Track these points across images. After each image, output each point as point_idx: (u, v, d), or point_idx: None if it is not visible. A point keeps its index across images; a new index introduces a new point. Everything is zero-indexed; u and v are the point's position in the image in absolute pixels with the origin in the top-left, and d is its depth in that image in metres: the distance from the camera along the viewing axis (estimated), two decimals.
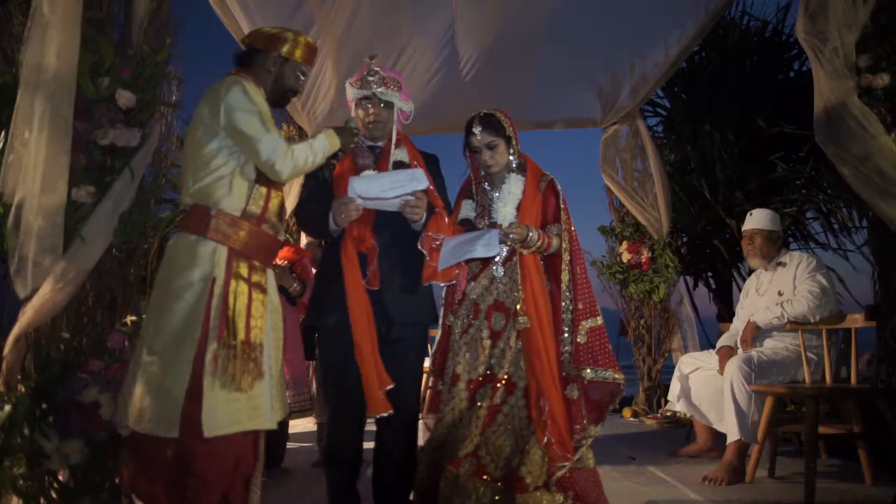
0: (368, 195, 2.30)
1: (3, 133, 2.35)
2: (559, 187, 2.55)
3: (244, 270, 2.05)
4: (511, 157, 2.54)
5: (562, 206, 2.51)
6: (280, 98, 2.25)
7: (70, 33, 2.23)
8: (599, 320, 2.44)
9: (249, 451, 2.10)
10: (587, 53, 4.74)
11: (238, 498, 2.07)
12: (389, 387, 2.27)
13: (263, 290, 2.09)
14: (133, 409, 1.95)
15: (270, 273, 2.17)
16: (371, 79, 2.41)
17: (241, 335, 1.97)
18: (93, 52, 2.36)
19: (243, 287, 2.02)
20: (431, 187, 2.41)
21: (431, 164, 2.52)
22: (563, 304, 2.43)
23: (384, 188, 2.31)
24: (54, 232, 2.22)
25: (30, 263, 2.19)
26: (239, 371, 1.94)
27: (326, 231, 2.38)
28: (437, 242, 2.36)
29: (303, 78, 2.27)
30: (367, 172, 2.36)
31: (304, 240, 3.57)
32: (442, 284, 2.48)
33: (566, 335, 2.42)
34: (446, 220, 2.44)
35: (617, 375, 2.37)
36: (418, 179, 2.31)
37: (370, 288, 2.32)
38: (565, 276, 2.44)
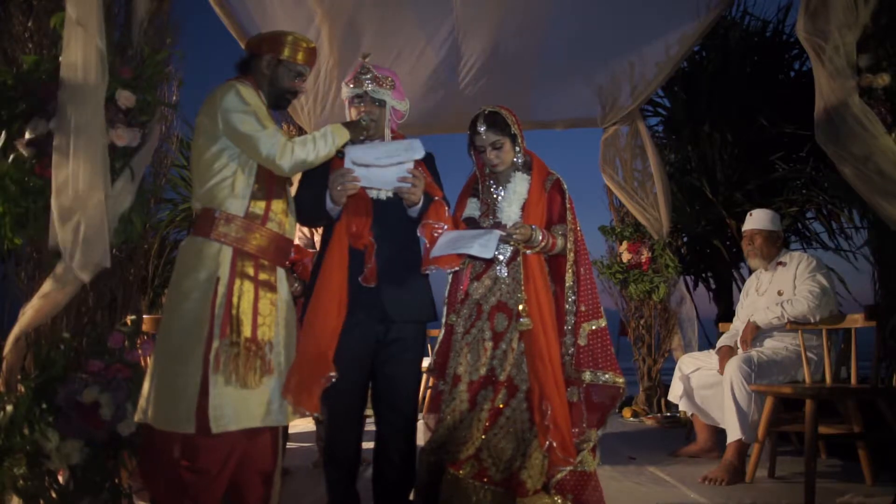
0: (363, 161, 2.27)
1: (3, 133, 2.35)
2: (565, 186, 2.53)
3: (250, 269, 2.10)
4: (517, 156, 2.53)
5: (567, 205, 2.49)
6: (278, 99, 2.30)
7: (101, 36, 2.28)
8: (602, 322, 2.42)
9: (266, 447, 2.14)
10: (587, 53, 4.73)
11: (256, 493, 2.12)
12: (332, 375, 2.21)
13: (272, 289, 2.14)
14: (151, 406, 2.01)
15: (281, 271, 2.21)
16: (364, 77, 2.41)
17: (247, 332, 2.03)
18: None
19: (249, 286, 2.08)
20: (429, 179, 2.41)
21: (427, 163, 2.51)
22: (567, 305, 2.42)
23: (379, 156, 2.28)
24: (101, 224, 2.26)
25: (82, 257, 2.22)
26: (244, 368, 2.00)
27: (323, 212, 2.35)
28: (439, 231, 2.35)
29: (300, 78, 2.29)
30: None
31: (297, 240, 3.57)
32: (447, 271, 2.48)
33: (568, 337, 2.41)
34: (446, 210, 2.43)
35: (617, 379, 2.35)
36: (414, 149, 2.29)
37: (367, 285, 2.32)
38: (569, 277, 2.43)
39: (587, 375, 2.34)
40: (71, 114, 2.22)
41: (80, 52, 2.23)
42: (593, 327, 2.40)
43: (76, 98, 2.23)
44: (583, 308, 2.41)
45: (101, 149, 2.26)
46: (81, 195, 2.20)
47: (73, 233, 2.20)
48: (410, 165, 2.29)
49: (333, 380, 2.20)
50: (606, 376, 2.34)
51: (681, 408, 3.82)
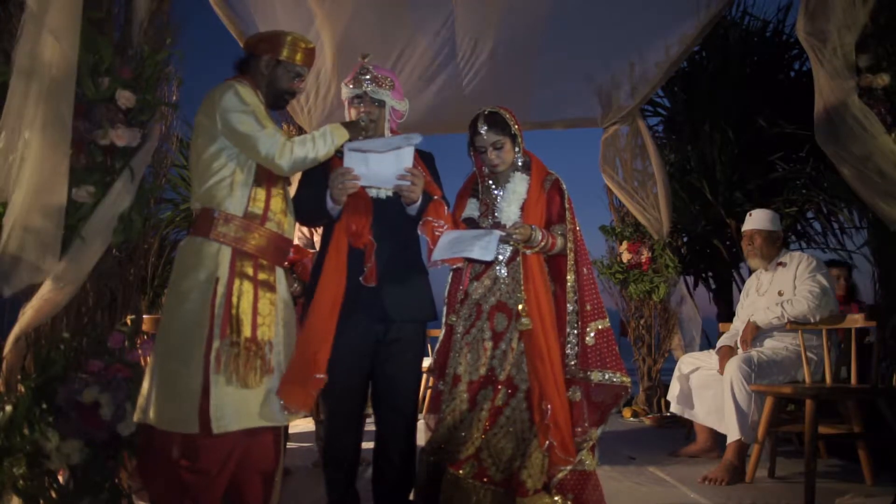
0: (361, 148, 2.26)
1: (2, 133, 2.35)
2: (564, 186, 2.53)
3: (249, 269, 2.10)
4: (517, 156, 2.53)
5: (567, 205, 2.49)
6: (277, 100, 2.30)
7: (68, 31, 2.22)
8: (607, 322, 2.41)
9: (267, 447, 2.14)
10: (587, 53, 4.74)
11: (256, 494, 2.12)
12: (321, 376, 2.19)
13: (272, 289, 2.14)
14: (151, 406, 2.01)
15: (280, 271, 2.21)
16: (363, 77, 2.42)
17: (247, 332, 2.03)
18: (93, 52, 2.36)
19: (248, 286, 2.08)
20: (429, 178, 2.41)
21: (427, 162, 2.52)
22: (569, 305, 2.42)
23: (378, 145, 2.29)
24: (54, 233, 2.21)
25: (21, 263, 2.17)
26: (244, 368, 2.00)
27: (323, 212, 2.35)
28: (440, 230, 2.35)
29: (298, 79, 2.29)
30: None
31: (296, 240, 3.58)
32: (451, 267, 2.49)
33: (571, 337, 2.41)
34: (445, 209, 2.43)
35: (625, 378, 2.34)
36: (412, 138, 2.29)
37: (367, 284, 2.32)
38: (570, 277, 2.43)
39: (596, 375, 2.33)
40: (29, 110, 2.15)
41: (49, 47, 2.17)
42: (599, 326, 2.40)
43: (34, 94, 2.16)
44: (588, 307, 2.40)
45: (63, 152, 2.19)
46: (27, 201, 2.14)
47: (18, 241, 2.14)
48: (410, 158, 2.28)
49: (324, 380, 2.19)
50: (615, 376, 2.34)
51: (674, 410, 3.82)
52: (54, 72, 2.20)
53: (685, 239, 6.11)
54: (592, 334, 2.38)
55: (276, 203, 2.20)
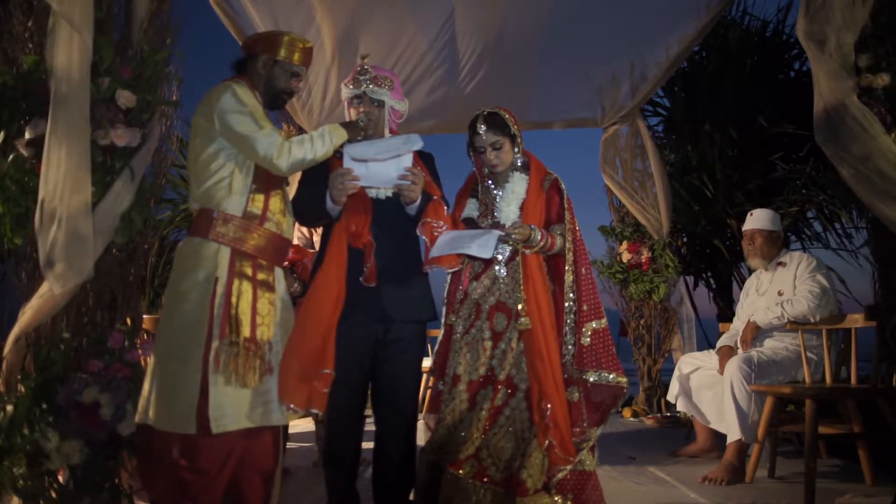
0: (362, 157, 2.26)
1: (2, 133, 2.36)
2: (563, 186, 2.53)
3: (248, 269, 2.11)
4: (516, 156, 2.53)
5: (566, 205, 2.50)
6: (274, 100, 2.30)
7: (85, 22, 2.25)
8: (604, 322, 2.42)
9: (267, 446, 2.14)
10: (587, 53, 4.74)
11: (255, 493, 2.12)
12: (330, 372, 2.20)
13: (271, 289, 2.15)
14: (151, 406, 2.02)
15: (279, 271, 2.21)
16: (362, 77, 2.42)
17: (246, 332, 2.03)
18: (93, 52, 2.36)
19: (247, 286, 2.09)
20: (428, 178, 2.41)
21: (427, 163, 2.52)
22: (567, 305, 2.42)
23: (378, 151, 2.28)
24: (88, 231, 2.23)
25: (63, 261, 2.19)
26: (243, 367, 2.01)
27: (323, 212, 2.35)
28: (438, 230, 2.35)
29: (296, 79, 2.29)
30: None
31: (296, 240, 3.58)
32: (447, 271, 2.48)
33: (569, 337, 2.41)
34: (445, 209, 2.43)
35: (620, 379, 2.35)
36: (412, 141, 2.29)
37: (367, 284, 2.32)
38: (569, 277, 2.43)
39: (591, 376, 2.34)
40: (58, 115, 2.19)
41: (65, 51, 2.20)
42: (595, 326, 2.40)
43: (61, 98, 2.20)
44: (585, 307, 2.41)
45: (85, 151, 2.23)
46: (64, 199, 2.18)
47: (54, 240, 2.17)
48: (409, 159, 2.28)
49: (331, 375, 2.19)
50: (611, 376, 2.34)
51: (679, 408, 3.83)
52: (76, 69, 2.22)
53: (685, 239, 6.11)
54: (589, 334, 2.38)
55: (275, 203, 2.20)
